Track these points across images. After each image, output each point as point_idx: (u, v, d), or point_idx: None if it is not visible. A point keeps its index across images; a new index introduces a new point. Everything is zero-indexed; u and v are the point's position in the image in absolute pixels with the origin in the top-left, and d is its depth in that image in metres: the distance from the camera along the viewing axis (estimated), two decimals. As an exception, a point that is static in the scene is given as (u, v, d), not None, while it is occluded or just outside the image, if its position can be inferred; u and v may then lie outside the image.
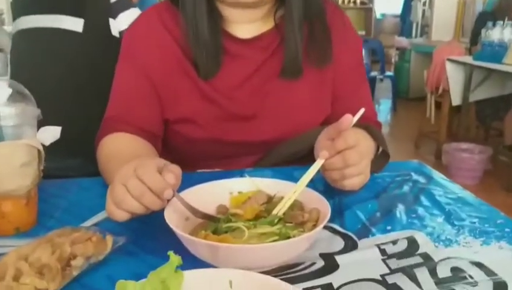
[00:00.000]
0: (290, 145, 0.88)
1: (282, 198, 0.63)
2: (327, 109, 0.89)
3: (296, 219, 0.58)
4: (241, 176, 0.82)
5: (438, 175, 0.84)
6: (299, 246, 0.53)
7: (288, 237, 0.54)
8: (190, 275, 0.40)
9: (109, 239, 0.55)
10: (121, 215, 0.55)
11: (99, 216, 0.65)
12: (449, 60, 3.13)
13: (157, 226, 0.63)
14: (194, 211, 0.58)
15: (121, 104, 0.84)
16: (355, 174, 0.63)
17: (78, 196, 0.74)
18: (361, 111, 0.64)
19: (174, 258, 0.39)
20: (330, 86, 0.89)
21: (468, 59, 3.14)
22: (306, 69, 0.84)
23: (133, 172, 0.54)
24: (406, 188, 0.78)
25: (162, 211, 0.65)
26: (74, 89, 1.24)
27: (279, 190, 0.65)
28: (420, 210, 0.70)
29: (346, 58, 0.89)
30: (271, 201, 0.63)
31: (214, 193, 0.65)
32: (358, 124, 0.82)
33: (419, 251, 0.57)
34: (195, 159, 0.90)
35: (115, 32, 1.26)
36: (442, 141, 3.21)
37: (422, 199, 0.74)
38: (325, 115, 0.89)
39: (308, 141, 0.86)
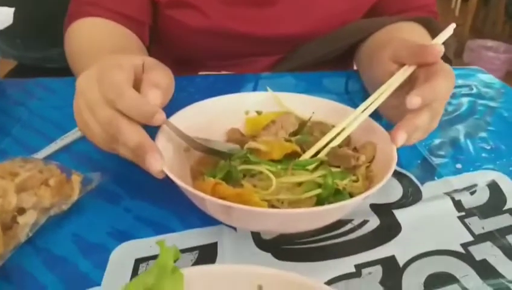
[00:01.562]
0: (321, 44, 0.66)
1: (320, 124, 0.45)
2: None
3: (347, 162, 0.39)
4: (256, 83, 0.63)
5: (510, 89, 0.66)
6: (352, 208, 0.37)
7: (337, 190, 0.37)
8: (199, 272, 0.24)
9: (76, 179, 0.38)
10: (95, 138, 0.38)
11: (67, 137, 0.48)
12: None
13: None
14: (196, 145, 0.41)
15: None
16: (434, 128, 0.43)
17: (42, 103, 0.56)
18: (451, 27, 0.45)
19: (167, 252, 0.23)
20: None
21: None
22: None
23: (99, 94, 0.35)
24: (468, 105, 0.60)
25: (148, 128, 0.48)
26: None
27: (316, 110, 0.46)
28: (494, 139, 0.53)
29: None
30: (304, 128, 0.45)
31: (223, 112, 0.46)
32: (417, 16, 0.62)
33: (508, 206, 0.42)
34: (194, 58, 0.70)
35: None
36: (465, 37, 2.92)
37: (493, 122, 0.57)
38: (371, 2, 0.66)
39: (345, 40, 0.65)
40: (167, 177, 0.35)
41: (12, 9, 0.60)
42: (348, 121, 0.42)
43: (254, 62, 0.69)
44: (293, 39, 0.67)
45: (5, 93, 0.58)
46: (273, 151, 0.40)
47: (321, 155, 0.40)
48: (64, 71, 1.27)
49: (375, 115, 0.43)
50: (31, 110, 0.54)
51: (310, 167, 0.39)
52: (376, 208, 0.40)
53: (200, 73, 0.70)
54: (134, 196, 0.41)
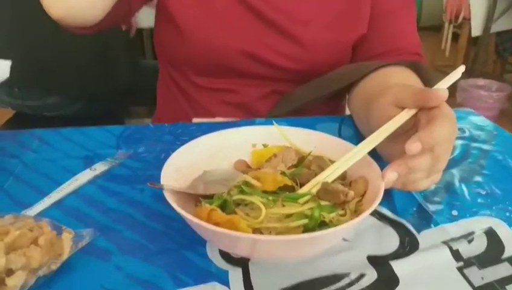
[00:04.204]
0: (312, 88, 0.68)
1: (319, 158, 0.47)
2: (362, 27, 0.69)
3: (336, 197, 0.41)
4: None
5: (502, 131, 0.66)
6: (335, 239, 0.39)
7: (324, 223, 0.39)
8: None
9: (67, 237, 0.37)
10: None
11: (60, 191, 0.47)
12: (473, -17, 2.80)
13: (139, 206, 0.46)
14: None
15: None
16: (440, 170, 0.43)
17: (36, 155, 0.56)
18: (460, 70, 0.46)
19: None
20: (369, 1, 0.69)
21: (495, -17, 2.81)
22: None
23: None
24: (462, 149, 0.61)
25: (141, 183, 0.48)
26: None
27: (317, 146, 0.48)
28: (489, 183, 0.53)
29: None
30: (303, 162, 0.47)
31: (233, 143, 0.50)
32: (406, 60, 0.64)
33: (506, 254, 0.41)
34: (186, 68, 0.73)
35: None
36: (457, 76, 2.99)
37: (488, 165, 0.57)
38: (359, 34, 0.69)
39: (335, 84, 0.67)
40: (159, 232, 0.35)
41: (9, 62, 0.61)
42: (345, 158, 0.43)
43: (245, 91, 0.71)
44: (282, 68, 0.69)
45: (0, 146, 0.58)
46: (265, 184, 0.42)
47: (313, 190, 0.42)
48: (62, 120, 1.29)
49: (375, 156, 0.44)
50: (25, 163, 0.54)
51: (301, 201, 0.40)
52: (373, 260, 0.40)
53: (194, 120, 0.71)
54: (125, 252, 0.40)
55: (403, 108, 0.44)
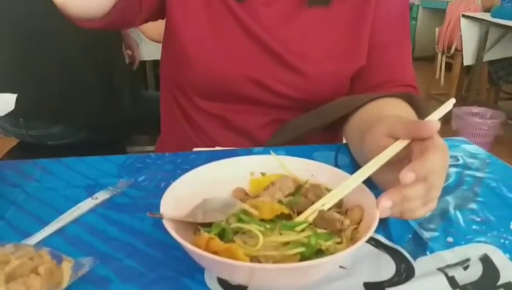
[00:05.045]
0: (310, 119, 0.70)
1: (316, 187, 0.48)
2: (362, 59, 0.72)
3: (332, 225, 0.42)
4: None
5: (495, 159, 0.68)
6: (332, 266, 0.40)
7: (320, 251, 0.39)
8: None
9: (67, 266, 0.38)
10: None
11: (61, 220, 0.48)
12: (464, 16, 2.89)
13: (139, 235, 0.47)
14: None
15: None
16: (435, 198, 0.44)
17: (39, 185, 0.57)
18: (451, 102, 0.47)
19: None
20: (368, 31, 0.71)
21: (485, 15, 2.90)
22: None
23: None
24: (456, 176, 0.62)
25: (141, 212, 0.49)
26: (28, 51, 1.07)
27: (314, 174, 0.50)
28: (483, 210, 0.54)
29: (391, 1, 0.71)
30: (300, 190, 0.48)
31: (232, 172, 0.51)
32: (400, 92, 0.66)
33: (502, 281, 0.42)
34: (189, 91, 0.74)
35: None
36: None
37: (482, 192, 0.58)
38: (358, 66, 0.72)
39: (333, 114, 0.69)
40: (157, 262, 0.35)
41: (14, 96, 0.63)
42: (342, 186, 0.45)
43: (247, 118, 0.73)
44: (284, 96, 0.71)
45: (2, 175, 0.59)
46: (263, 212, 0.43)
47: (310, 218, 0.43)
48: (66, 148, 1.30)
49: (370, 184, 0.45)
50: (27, 192, 0.55)
51: (298, 229, 0.41)
52: (369, 287, 0.40)
53: (195, 149, 0.72)
54: (124, 280, 0.40)
55: (396, 139, 0.46)
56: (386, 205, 0.40)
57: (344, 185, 0.45)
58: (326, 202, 0.44)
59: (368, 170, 0.45)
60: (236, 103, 0.73)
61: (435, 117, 0.47)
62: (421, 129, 0.43)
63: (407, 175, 0.40)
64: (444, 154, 0.42)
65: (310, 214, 0.44)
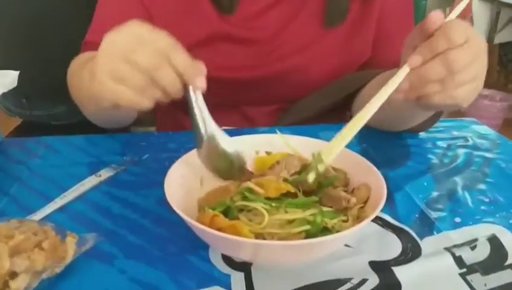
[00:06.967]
0: (319, 97, 0.69)
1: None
2: (367, 51, 0.70)
3: (338, 203, 0.42)
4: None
5: (505, 140, 0.66)
6: (337, 244, 0.40)
7: (326, 229, 0.39)
8: None
9: (71, 241, 0.38)
10: (119, 94, 0.39)
11: (65, 197, 0.48)
12: (476, -5, 2.82)
13: (143, 212, 0.46)
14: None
15: (104, 28, 0.64)
16: (467, 80, 0.40)
17: (43, 162, 0.56)
18: (465, 2, 0.44)
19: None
20: (373, 27, 0.69)
21: (497, -5, 2.83)
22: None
23: (140, 42, 0.38)
24: (465, 157, 0.61)
25: (145, 189, 0.48)
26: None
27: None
28: (492, 191, 0.53)
29: None
30: (305, 169, 0.47)
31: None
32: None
33: (510, 261, 0.41)
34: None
35: None
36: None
37: (491, 173, 0.57)
38: (364, 58, 0.70)
39: (342, 91, 0.67)
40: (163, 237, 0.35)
41: (16, 73, 0.62)
42: (357, 118, 0.43)
43: (250, 108, 0.71)
44: (288, 96, 0.69)
45: (7, 152, 0.59)
46: (268, 191, 0.42)
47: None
48: (69, 128, 1.30)
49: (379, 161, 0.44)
50: (31, 169, 0.54)
51: (303, 207, 0.40)
52: (375, 265, 0.40)
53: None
54: (129, 256, 0.40)
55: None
56: (416, 60, 0.39)
57: (360, 116, 0.43)
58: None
59: (379, 99, 0.42)
60: (237, 102, 0.72)
61: (453, 16, 0.44)
62: (427, 22, 0.41)
63: (412, 58, 0.39)
64: (465, 28, 0.39)
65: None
